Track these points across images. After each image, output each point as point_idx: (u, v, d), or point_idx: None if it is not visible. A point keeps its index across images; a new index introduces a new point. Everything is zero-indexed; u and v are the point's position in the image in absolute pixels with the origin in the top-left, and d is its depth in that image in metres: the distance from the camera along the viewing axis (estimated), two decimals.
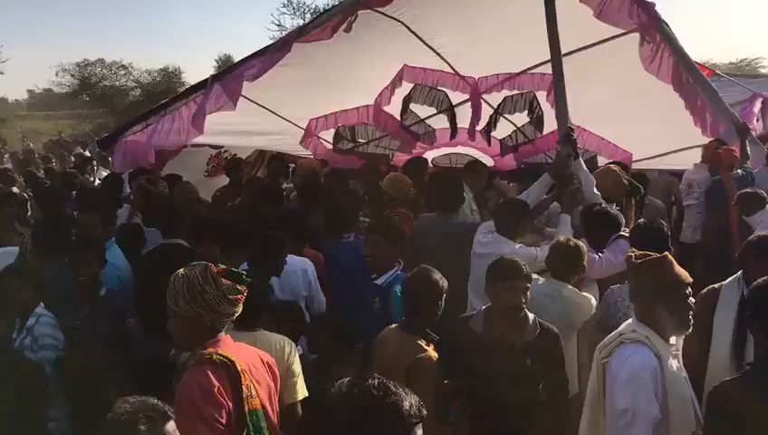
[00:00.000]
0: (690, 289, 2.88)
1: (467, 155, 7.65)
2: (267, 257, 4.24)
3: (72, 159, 14.61)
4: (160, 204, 5.50)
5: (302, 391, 3.29)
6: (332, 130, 7.37)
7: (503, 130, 7.05)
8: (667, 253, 2.93)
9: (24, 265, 4.27)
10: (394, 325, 3.68)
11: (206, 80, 5.58)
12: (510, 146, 7.19)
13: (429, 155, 7.90)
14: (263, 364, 2.85)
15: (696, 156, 6.68)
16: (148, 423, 2.06)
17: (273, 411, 2.82)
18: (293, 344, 3.40)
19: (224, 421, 2.53)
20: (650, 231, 4.15)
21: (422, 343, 3.53)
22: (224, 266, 2.71)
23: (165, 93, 27.65)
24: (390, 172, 6.93)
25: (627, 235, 4.76)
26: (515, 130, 7.07)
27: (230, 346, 2.72)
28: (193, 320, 2.62)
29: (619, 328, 2.94)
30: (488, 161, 7.87)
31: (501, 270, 3.40)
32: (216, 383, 2.54)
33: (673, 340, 2.91)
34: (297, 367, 3.31)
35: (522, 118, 6.81)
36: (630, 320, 2.94)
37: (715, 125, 5.56)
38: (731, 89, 10.11)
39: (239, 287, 2.68)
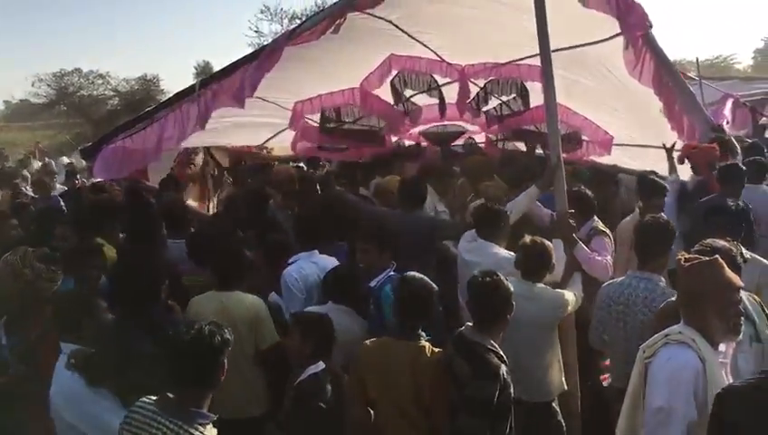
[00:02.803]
0: (740, 294, 2.86)
1: (456, 124, 7.90)
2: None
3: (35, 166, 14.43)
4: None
5: (272, 338, 4.10)
6: (318, 115, 7.40)
7: (489, 104, 7.21)
8: (717, 256, 2.90)
9: None
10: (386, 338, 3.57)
11: (193, 86, 5.57)
12: (496, 116, 7.36)
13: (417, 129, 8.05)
14: None
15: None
16: None
17: None
18: (262, 301, 4.21)
19: None
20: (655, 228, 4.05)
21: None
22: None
23: (143, 101, 27.55)
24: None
25: (605, 230, 4.84)
26: (501, 103, 7.22)
27: None
28: None
29: (666, 329, 2.93)
30: (476, 131, 8.11)
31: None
32: None
33: (722, 347, 2.90)
34: (267, 321, 4.11)
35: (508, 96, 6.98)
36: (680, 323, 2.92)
37: (691, 129, 5.67)
38: (703, 90, 10.35)
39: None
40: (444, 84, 7.00)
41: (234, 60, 5.33)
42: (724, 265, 2.84)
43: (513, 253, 4.39)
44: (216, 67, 5.80)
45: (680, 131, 5.60)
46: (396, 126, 7.66)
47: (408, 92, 7.13)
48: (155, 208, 6.10)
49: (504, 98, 7.07)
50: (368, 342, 3.57)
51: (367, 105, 7.22)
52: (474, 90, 7.01)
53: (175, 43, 78.73)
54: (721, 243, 3.43)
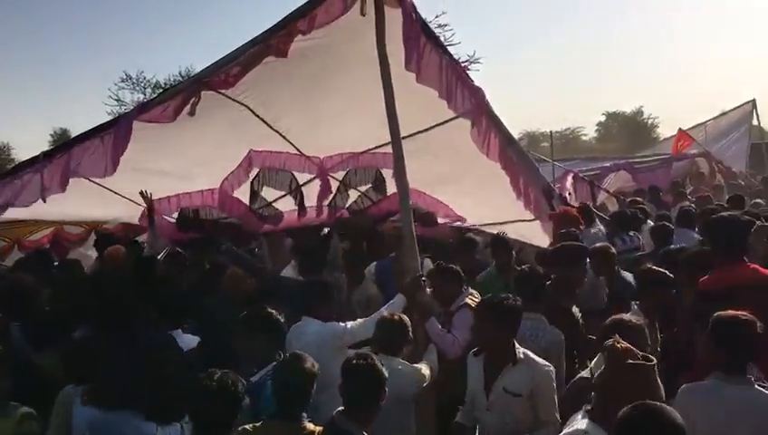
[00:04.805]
0: None
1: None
2: None
3: None
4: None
5: None
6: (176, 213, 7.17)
7: (349, 199, 7.41)
8: (654, 360, 2.82)
9: None
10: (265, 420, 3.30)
11: (38, 156, 5.29)
12: (358, 210, 7.51)
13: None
14: None
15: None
16: None
17: None
18: None
19: None
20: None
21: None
22: None
23: None
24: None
25: (472, 303, 4.85)
26: (360, 196, 7.43)
27: None
28: None
29: (570, 428, 2.86)
30: None
31: None
32: None
33: None
34: None
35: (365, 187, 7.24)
36: (580, 418, 2.85)
37: (537, 201, 6.10)
38: (549, 168, 12.02)
39: None
40: (304, 184, 7.14)
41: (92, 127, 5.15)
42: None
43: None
44: (75, 134, 5.49)
45: (527, 204, 6.00)
46: (255, 230, 7.55)
47: (267, 193, 7.12)
48: None
49: (363, 188, 7.33)
50: (247, 427, 3.22)
51: (226, 208, 7.11)
52: (334, 184, 7.22)
53: (29, 111, 73.68)
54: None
